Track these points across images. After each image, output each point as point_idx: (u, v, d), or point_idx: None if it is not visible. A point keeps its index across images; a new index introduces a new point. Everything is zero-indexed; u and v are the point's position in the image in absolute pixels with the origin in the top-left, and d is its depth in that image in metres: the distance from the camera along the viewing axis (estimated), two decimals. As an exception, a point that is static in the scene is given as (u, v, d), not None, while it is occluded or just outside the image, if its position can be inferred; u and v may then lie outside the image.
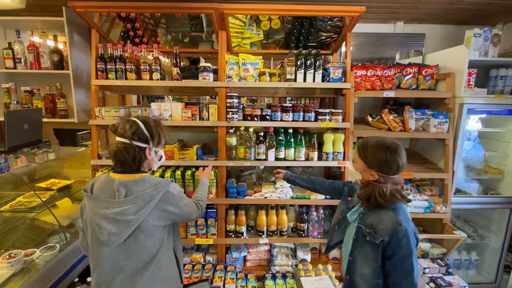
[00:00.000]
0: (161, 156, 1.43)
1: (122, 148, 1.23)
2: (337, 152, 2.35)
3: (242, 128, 2.32)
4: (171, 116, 2.28)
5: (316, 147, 2.35)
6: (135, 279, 1.25)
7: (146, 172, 1.33)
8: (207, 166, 2.05)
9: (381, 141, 1.25)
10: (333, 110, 2.35)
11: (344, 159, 2.37)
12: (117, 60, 2.23)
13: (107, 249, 1.24)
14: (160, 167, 2.46)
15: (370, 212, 1.29)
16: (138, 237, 1.23)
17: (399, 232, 1.16)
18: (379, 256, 1.22)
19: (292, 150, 2.33)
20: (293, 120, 2.33)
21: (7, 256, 1.74)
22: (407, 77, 2.47)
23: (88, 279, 2.12)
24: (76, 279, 2.16)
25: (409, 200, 1.29)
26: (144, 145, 1.27)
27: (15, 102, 2.80)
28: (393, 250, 1.19)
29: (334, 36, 2.61)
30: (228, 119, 2.29)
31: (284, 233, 2.44)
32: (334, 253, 2.54)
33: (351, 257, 1.36)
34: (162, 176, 2.33)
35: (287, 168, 2.76)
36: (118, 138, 1.24)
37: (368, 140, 1.30)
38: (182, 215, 1.37)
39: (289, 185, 2.44)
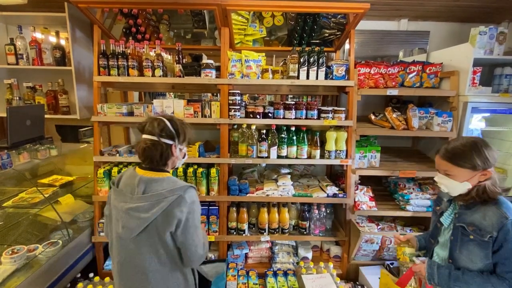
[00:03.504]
0: (185, 154, 1.44)
1: (151, 144, 1.26)
2: (340, 150, 2.34)
3: (244, 126, 2.31)
4: (173, 113, 2.27)
5: (318, 145, 2.34)
6: (146, 277, 1.25)
7: (168, 172, 1.35)
8: None
9: (471, 141, 1.24)
10: (336, 108, 2.33)
11: (346, 157, 2.36)
12: (119, 56, 2.22)
13: (123, 242, 1.27)
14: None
15: (469, 210, 1.27)
16: (151, 236, 1.23)
17: (507, 225, 1.15)
18: (490, 253, 1.20)
19: (295, 148, 2.32)
20: (295, 118, 2.32)
21: (10, 252, 1.75)
22: (410, 75, 2.45)
23: (90, 275, 2.14)
24: (79, 275, 2.18)
25: (507, 189, 1.28)
26: (170, 142, 1.30)
27: (18, 98, 2.80)
28: (499, 244, 1.17)
29: (338, 33, 2.59)
30: (230, 117, 2.28)
31: (286, 231, 2.44)
32: (336, 251, 2.54)
33: (451, 259, 1.33)
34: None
35: (289, 166, 2.76)
36: (146, 136, 1.27)
37: (457, 147, 1.25)
38: (187, 233, 1.25)
39: (291, 182, 2.43)
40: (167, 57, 2.48)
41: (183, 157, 1.43)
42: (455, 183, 1.27)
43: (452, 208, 1.37)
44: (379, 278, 1.92)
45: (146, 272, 1.25)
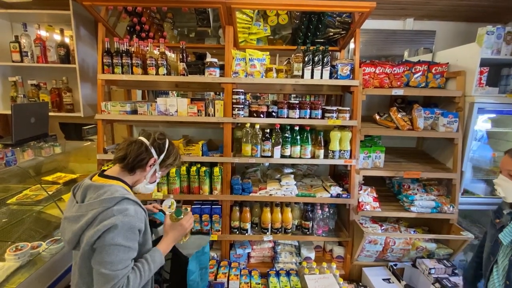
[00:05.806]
0: (155, 181, 1.34)
1: (139, 143, 1.23)
2: (344, 150, 2.33)
3: (248, 125, 2.31)
4: (177, 111, 2.26)
5: (322, 144, 2.33)
6: None
7: (122, 182, 1.22)
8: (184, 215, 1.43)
9: None
10: (340, 108, 2.32)
11: (350, 157, 2.34)
12: (124, 54, 2.22)
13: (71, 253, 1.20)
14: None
15: None
16: (83, 253, 1.08)
17: None
18: None
19: (298, 147, 2.31)
20: (299, 117, 2.31)
21: (14, 249, 1.76)
22: (416, 75, 2.43)
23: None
24: (82, 273, 2.17)
25: None
26: (154, 155, 1.26)
27: (22, 95, 2.81)
28: None
29: (342, 32, 2.57)
30: (234, 116, 2.27)
31: (289, 231, 2.43)
32: (339, 251, 2.53)
33: (508, 281, 1.24)
34: (167, 173, 2.31)
35: (292, 165, 2.75)
36: (141, 137, 1.27)
37: None
38: (103, 249, 1.02)
39: (294, 182, 2.42)
40: (171, 55, 2.48)
41: (151, 183, 1.32)
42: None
43: None
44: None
45: None
